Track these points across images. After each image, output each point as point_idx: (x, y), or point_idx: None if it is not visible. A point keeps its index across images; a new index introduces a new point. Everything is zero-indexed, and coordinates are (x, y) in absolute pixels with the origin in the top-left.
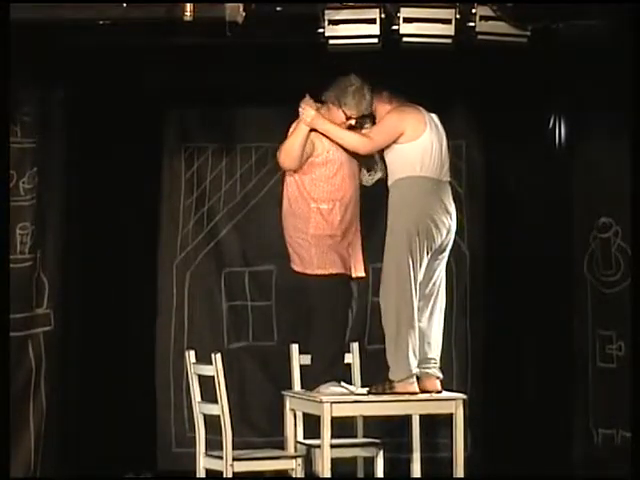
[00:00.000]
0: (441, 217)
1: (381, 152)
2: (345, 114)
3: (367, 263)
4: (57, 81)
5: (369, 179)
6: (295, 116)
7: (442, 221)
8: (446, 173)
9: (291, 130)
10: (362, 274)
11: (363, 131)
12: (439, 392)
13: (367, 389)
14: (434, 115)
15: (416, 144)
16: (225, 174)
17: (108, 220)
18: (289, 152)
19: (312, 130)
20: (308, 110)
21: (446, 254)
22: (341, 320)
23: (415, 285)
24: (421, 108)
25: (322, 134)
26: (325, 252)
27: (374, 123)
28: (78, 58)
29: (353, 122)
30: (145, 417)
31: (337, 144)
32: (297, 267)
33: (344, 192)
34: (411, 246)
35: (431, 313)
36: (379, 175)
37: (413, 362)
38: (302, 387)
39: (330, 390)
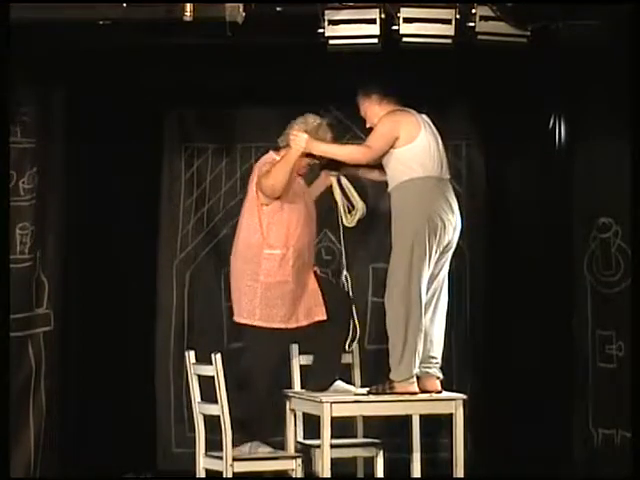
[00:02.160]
0: (448, 216)
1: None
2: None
3: (367, 263)
4: (57, 81)
5: (351, 220)
6: (295, 116)
7: (449, 220)
8: (446, 171)
9: (282, 158)
10: (323, 317)
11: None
12: (439, 392)
13: (367, 389)
14: (424, 115)
15: (414, 146)
16: (225, 174)
17: (108, 220)
18: (280, 180)
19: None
20: (300, 135)
21: (451, 252)
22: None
23: (423, 287)
24: (412, 110)
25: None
26: (270, 304)
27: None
28: (78, 58)
29: (317, 161)
30: (145, 417)
31: (337, 161)
32: (237, 317)
33: (298, 237)
34: (420, 248)
35: (434, 311)
36: (360, 214)
37: (416, 363)
38: (302, 387)
39: (338, 386)
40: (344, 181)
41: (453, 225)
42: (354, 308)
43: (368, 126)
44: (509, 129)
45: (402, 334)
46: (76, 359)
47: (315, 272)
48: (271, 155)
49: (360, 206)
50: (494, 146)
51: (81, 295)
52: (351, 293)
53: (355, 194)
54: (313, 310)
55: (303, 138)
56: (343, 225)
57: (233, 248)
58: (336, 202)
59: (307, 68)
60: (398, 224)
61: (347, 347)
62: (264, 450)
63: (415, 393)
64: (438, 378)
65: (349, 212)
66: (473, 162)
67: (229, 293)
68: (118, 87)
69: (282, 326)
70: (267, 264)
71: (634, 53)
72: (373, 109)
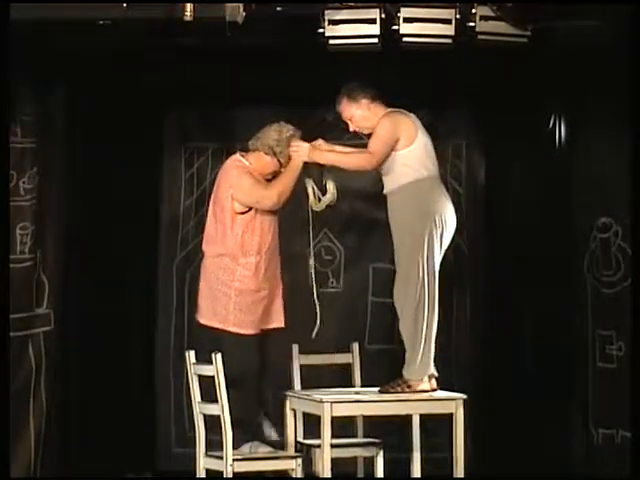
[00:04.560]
0: (451, 214)
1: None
2: (280, 162)
3: (367, 263)
4: (57, 81)
5: (320, 205)
6: (295, 116)
7: (453, 218)
8: (438, 170)
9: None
10: (281, 325)
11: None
12: (434, 390)
13: (379, 389)
14: (413, 115)
15: (415, 147)
16: None
17: (108, 220)
18: (286, 192)
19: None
20: (302, 146)
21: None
22: None
23: (437, 285)
24: (405, 111)
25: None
26: (243, 310)
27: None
28: (78, 58)
29: (283, 169)
30: (145, 417)
31: (341, 169)
32: (204, 320)
33: (269, 244)
34: (433, 247)
35: None
36: (329, 200)
37: (432, 361)
38: (302, 387)
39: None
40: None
41: (454, 223)
42: (316, 296)
43: (353, 130)
44: (509, 129)
45: (422, 333)
46: (76, 359)
47: (280, 277)
48: (239, 159)
49: (331, 192)
50: (494, 146)
51: (81, 295)
52: (314, 282)
53: (330, 181)
54: (274, 316)
55: (305, 149)
56: (312, 211)
57: (204, 254)
58: (306, 188)
59: (307, 68)
60: (407, 225)
61: (313, 335)
62: (264, 450)
63: (428, 391)
64: (435, 377)
65: (319, 198)
66: (473, 162)
67: (196, 296)
68: (118, 87)
69: (252, 332)
70: (242, 272)
71: (634, 53)
72: (363, 113)
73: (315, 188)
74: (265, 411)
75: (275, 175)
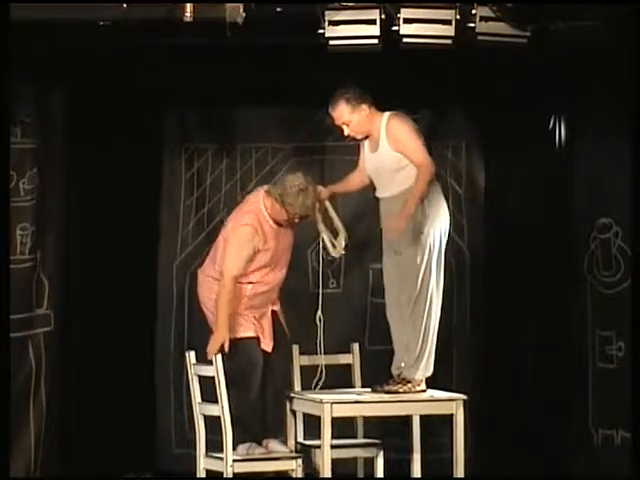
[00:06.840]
0: (447, 215)
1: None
2: (288, 213)
3: (367, 264)
4: (57, 81)
5: (337, 250)
6: (295, 116)
7: (448, 218)
8: None
9: None
10: (268, 350)
11: None
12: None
13: (386, 389)
14: None
15: None
16: (225, 175)
17: (108, 220)
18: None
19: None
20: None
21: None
22: None
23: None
24: (401, 113)
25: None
26: (232, 317)
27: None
28: (78, 58)
29: (297, 220)
30: (145, 417)
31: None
32: (211, 323)
33: (261, 275)
34: (440, 248)
35: None
36: (344, 240)
37: None
38: (302, 387)
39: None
40: (329, 208)
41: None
42: (321, 347)
43: (347, 134)
44: (509, 129)
45: (431, 334)
46: (76, 359)
47: (275, 312)
48: (258, 201)
49: (342, 232)
50: (494, 146)
51: (81, 295)
52: (322, 337)
53: (336, 219)
54: (264, 338)
55: (396, 222)
56: (326, 257)
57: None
58: (322, 237)
59: (307, 69)
60: (414, 228)
61: (313, 387)
62: (260, 451)
63: (426, 390)
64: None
65: (333, 245)
66: (473, 162)
67: (196, 297)
68: (118, 87)
69: (247, 335)
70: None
71: (635, 53)
72: (360, 119)
73: (330, 235)
74: (273, 434)
75: (286, 223)
